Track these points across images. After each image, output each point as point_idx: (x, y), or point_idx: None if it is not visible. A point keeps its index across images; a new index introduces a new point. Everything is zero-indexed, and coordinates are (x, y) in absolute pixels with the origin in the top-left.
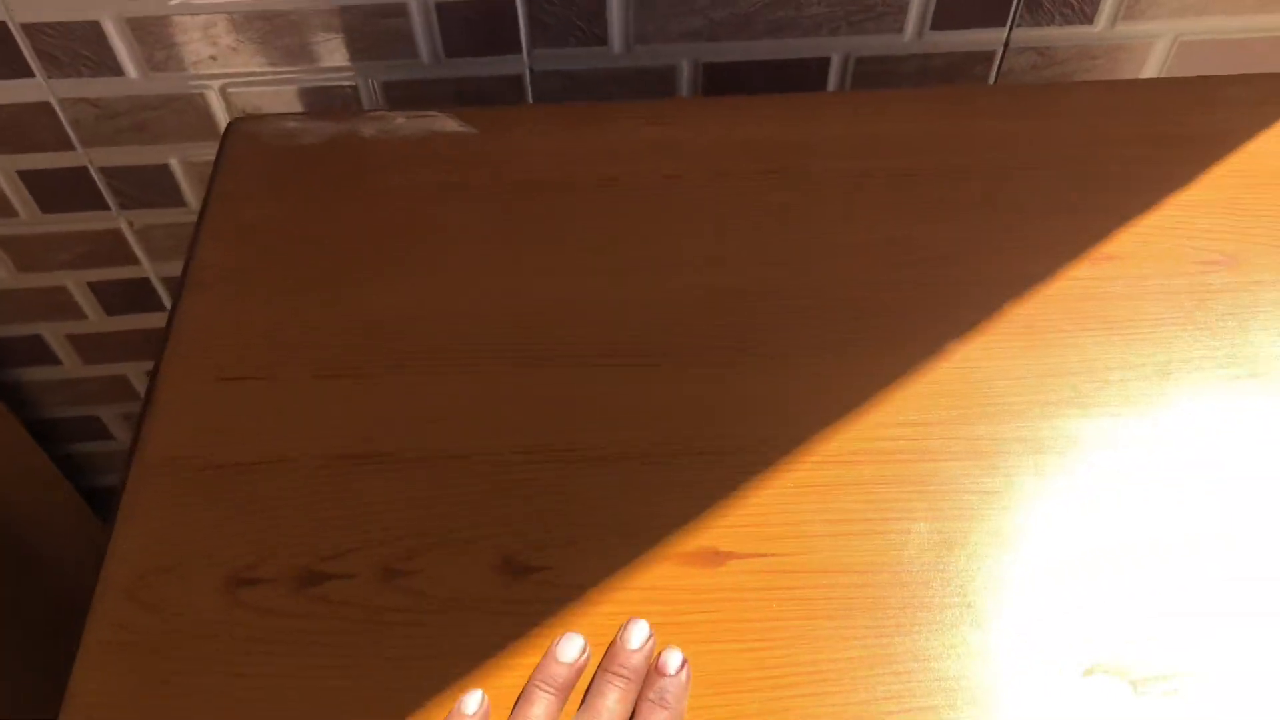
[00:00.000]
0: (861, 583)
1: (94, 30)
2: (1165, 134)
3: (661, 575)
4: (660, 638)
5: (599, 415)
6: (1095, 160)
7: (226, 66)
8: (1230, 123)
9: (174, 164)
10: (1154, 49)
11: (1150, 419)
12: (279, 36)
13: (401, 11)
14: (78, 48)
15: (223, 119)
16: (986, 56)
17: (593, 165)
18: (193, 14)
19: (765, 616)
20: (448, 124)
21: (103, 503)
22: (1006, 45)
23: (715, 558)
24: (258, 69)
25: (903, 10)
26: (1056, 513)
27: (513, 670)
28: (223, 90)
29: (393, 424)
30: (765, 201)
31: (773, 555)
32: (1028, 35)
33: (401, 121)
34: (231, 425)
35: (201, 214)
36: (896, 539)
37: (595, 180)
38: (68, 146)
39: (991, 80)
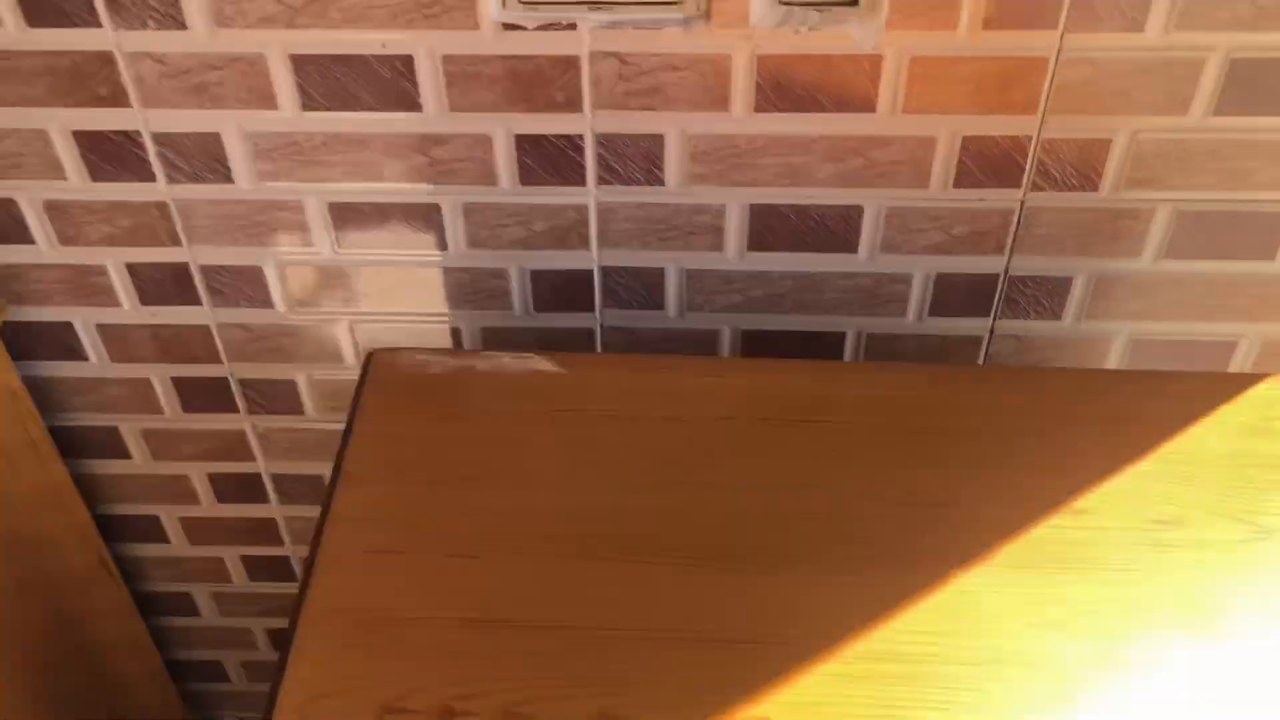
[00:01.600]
0: None
1: (257, 273)
2: (1123, 415)
3: None
4: None
5: (663, 602)
6: (1066, 432)
7: (355, 307)
8: (1176, 410)
9: (301, 380)
10: (1114, 344)
11: (1119, 646)
12: (402, 288)
13: (503, 275)
14: (242, 285)
15: (347, 346)
16: (976, 340)
17: (657, 405)
18: (340, 268)
19: None
20: (543, 364)
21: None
22: (992, 332)
23: None
24: (380, 310)
25: (905, 300)
26: (1043, 715)
27: None
28: (350, 325)
29: (506, 595)
30: (798, 443)
31: None
32: (1009, 325)
33: (507, 360)
34: (379, 588)
35: (349, 423)
36: None
37: (659, 417)
38: (217, 360)
39: (981, 359)
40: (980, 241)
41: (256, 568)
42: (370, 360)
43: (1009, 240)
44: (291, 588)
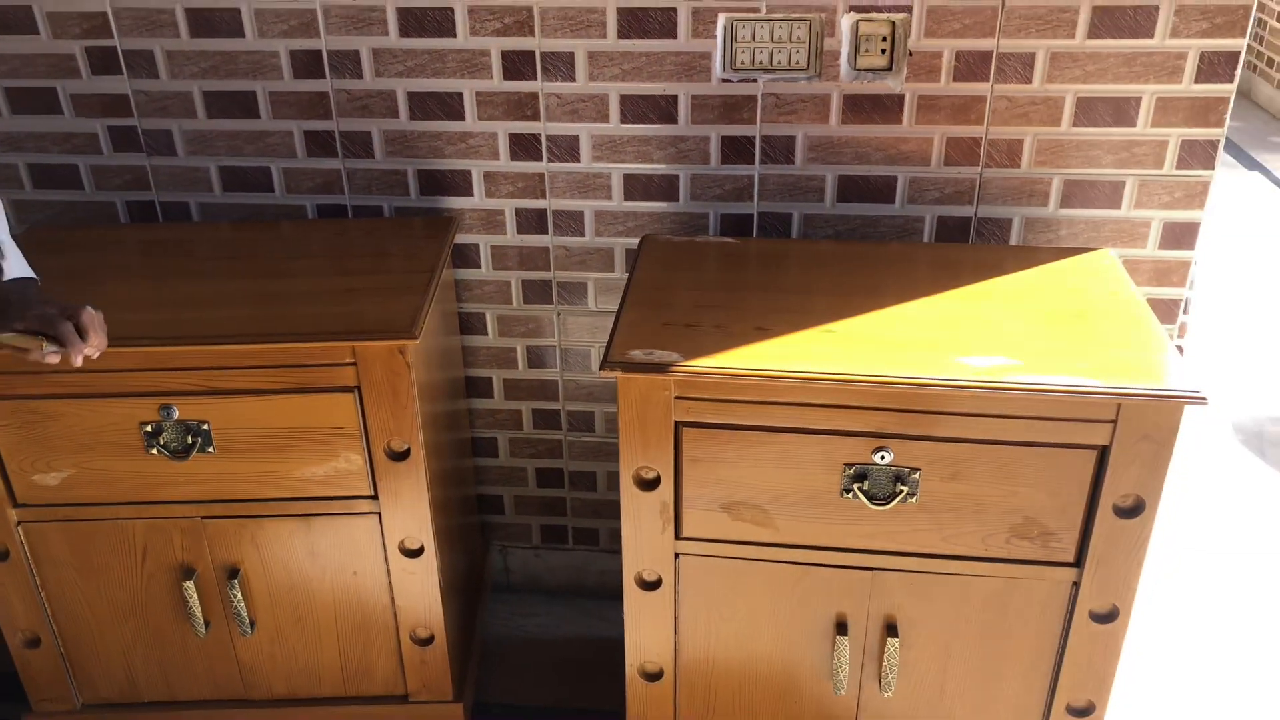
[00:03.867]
0: None
1: (579, 215)
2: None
3: None
4: None
5: (823, 309)
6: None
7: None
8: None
9: (590, 284)
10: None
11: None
12: (651, 225)
13: (704, 219)
14: (570, 222)
15: (620, 258)
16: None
17: (784, 251)
18: (624, 211)
19: None
20: (725, 240)
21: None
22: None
23: None
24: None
25: (921, 233)
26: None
27: None
28: (623, 247)
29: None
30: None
31: None
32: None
33: (698, 240)
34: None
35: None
36: None
37: (800, 257)
38: (547, 269)
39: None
40: (959, 197)
41: (539, 420)
42: (644, 239)
43: (975, 196)
44: (558, 435)
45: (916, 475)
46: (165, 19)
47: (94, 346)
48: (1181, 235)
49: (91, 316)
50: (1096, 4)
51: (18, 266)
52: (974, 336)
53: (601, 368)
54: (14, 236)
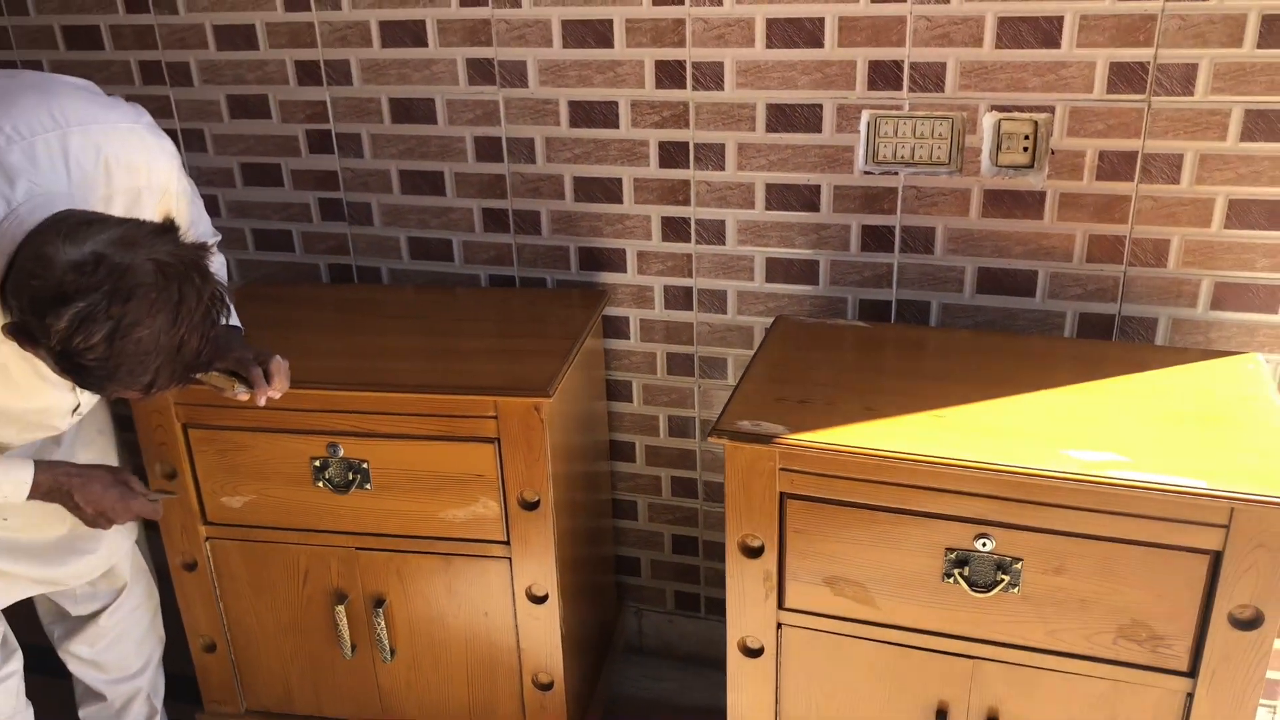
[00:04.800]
0: None
1: (722, 296)
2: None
3: None
4: None
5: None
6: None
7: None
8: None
9: (730, 359)
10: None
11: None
12: (791, 307)
13: (843, 304)
14: (713, 301)
15: (759, 335)
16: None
17: (928, 344)
18: (767, 291)
19: None
20: (860, 325)
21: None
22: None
23: None
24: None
25: (1063, 328)
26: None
27: None
28: (761, 326)
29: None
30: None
31: None
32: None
33: (842, 323)
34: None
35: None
36: None
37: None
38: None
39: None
40: (1102, 294)
41: (677, 487)
42: (776, 320)
43: (1119, 293)
44: (695, 503)
45: (1019, 565)
46: (372, 107)
47: (277, 389)
48: None
49: (278, 364)
50: (1249, 108)
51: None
52: (1088, 430)
53: (709, 434)
54: (231, 290)
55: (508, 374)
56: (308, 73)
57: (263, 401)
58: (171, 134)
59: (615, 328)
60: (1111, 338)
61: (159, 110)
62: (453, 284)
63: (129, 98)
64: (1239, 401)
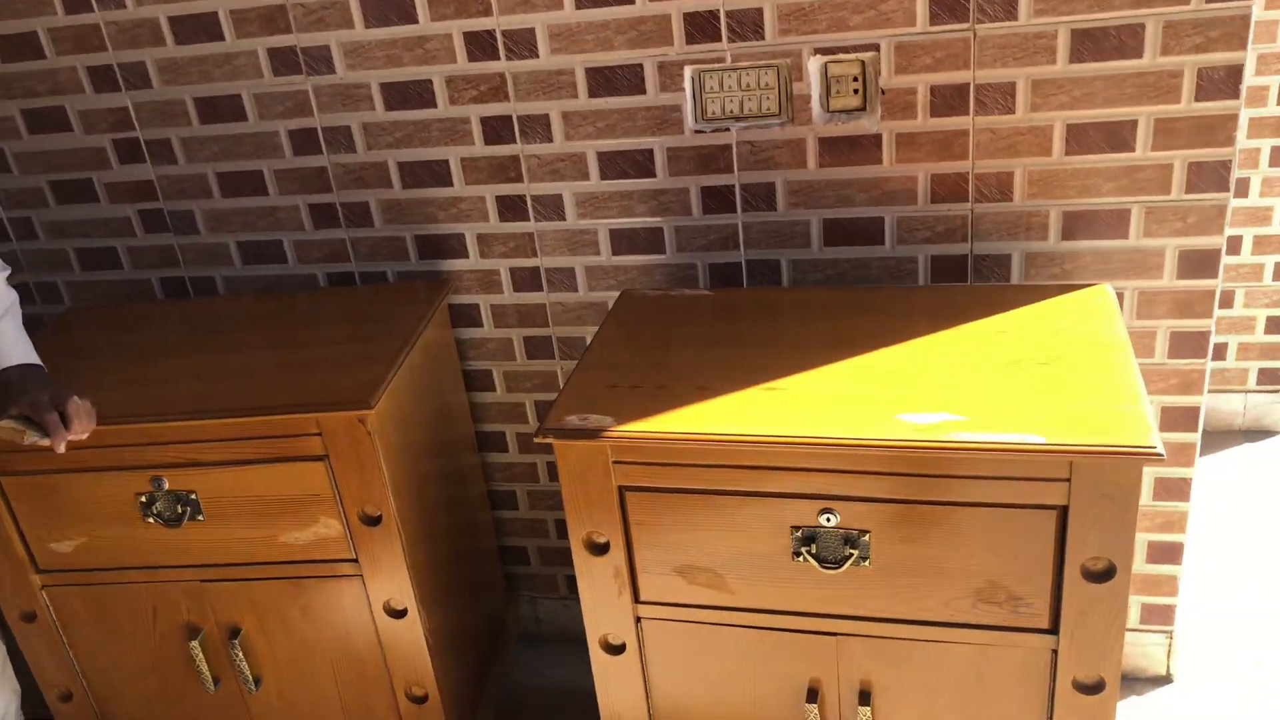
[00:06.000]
0: None
1: (571, 273)
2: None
3: None
4: None
5: (756, 365)
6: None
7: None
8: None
9: (589, 337)
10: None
11: None
12: (642, 277)
13: (694, 269)
14: (563, 279)
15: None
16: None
17: (753, 304)
18: (613, 266)
19: None
20: (706, 293)
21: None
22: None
23: None
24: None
25: (915, 274)
26: None
27: None
28: (614, 298)
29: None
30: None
31: None
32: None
33: (687, 293)
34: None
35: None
36: None
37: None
38: (546, 323)
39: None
40: (951, 235)
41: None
42: (621, 295)
43: (969, 233)
44: None
45: (866, 538)
46: (178, 109)
47: (77, 433)
48: (1201, 263)
49: (76, 405)
50: (1075, 27)
51: (23, 353)
52: (927, 390)
53: (536, 436)
54: (56, 318)
55: (331, 386)
56: (102, 78)
57: (61, 448)
58: None
59: (467, 315)
60: (966, 279)
61: None
62: (291, 287)
63: None
64: (1085, 343)
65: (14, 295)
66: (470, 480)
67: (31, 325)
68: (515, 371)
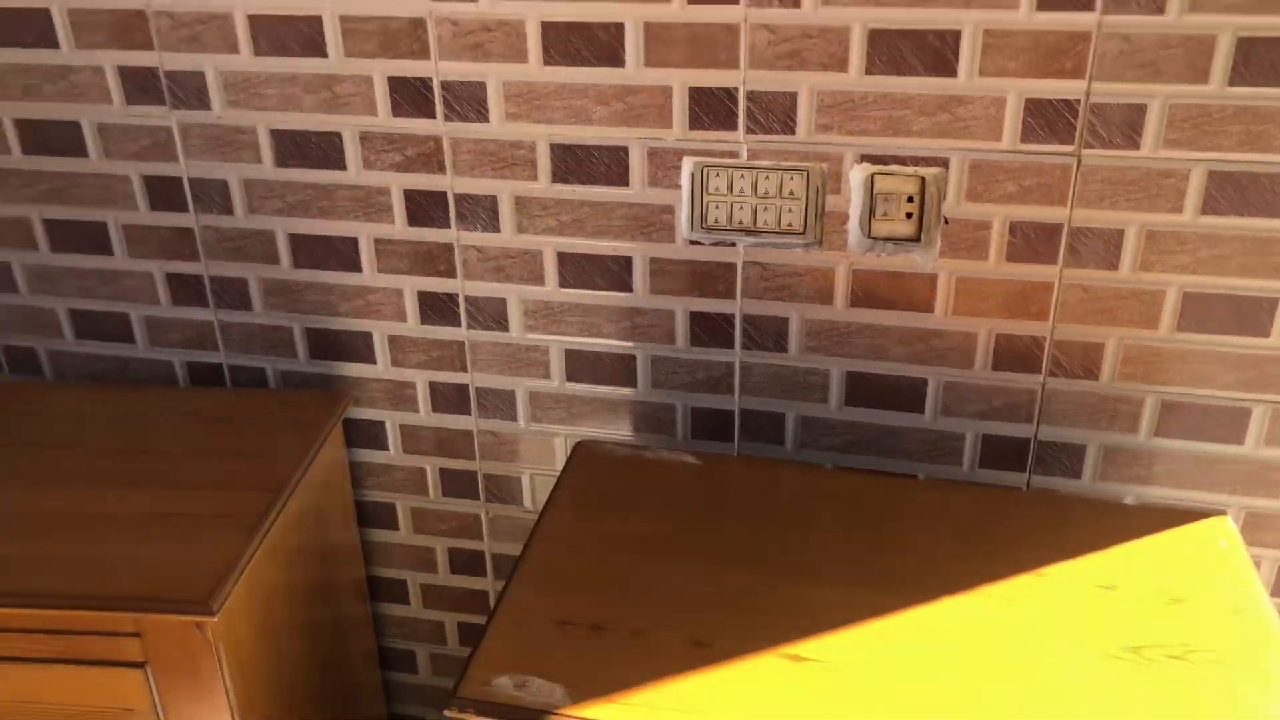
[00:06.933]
0: None
1: (510, 396)
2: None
3: None
4: None
5: (741, 594)
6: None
7: (571, 425)
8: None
9: (525, 478)
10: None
11: None
12: (600, 414)
13: (671, 409)
14: (499, 403)
15: (562, 451)
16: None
17: (768, 489)
18: (567, 395)
19: None
20: (690, 459)
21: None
22: (1028, 486)
23: None
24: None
25: (960, 453)
26: None
27: None
28: (566, 437)
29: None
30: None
31: None
32: (1040, 481)
33: (665, 454)
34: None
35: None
36: None
37: (767, 496)
38: (471, 456)
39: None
40: (1012, 411)
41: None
42: (576, 448)
43: (1035, 411)
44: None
45: None
46: None
47: None
48: None
49: None
50: (1214, 167)
51: None
52: (1016, 694)
53: (447, 710)
54: None
55: (164, 566)
56: None
57: None
58: None
59: (368, 434)
60: (1025, 469)
61: None
62: (140, 373)
63: None
64: (1220, 617)
65: None
66: (355, 635)
67: None
68: (427, 510)
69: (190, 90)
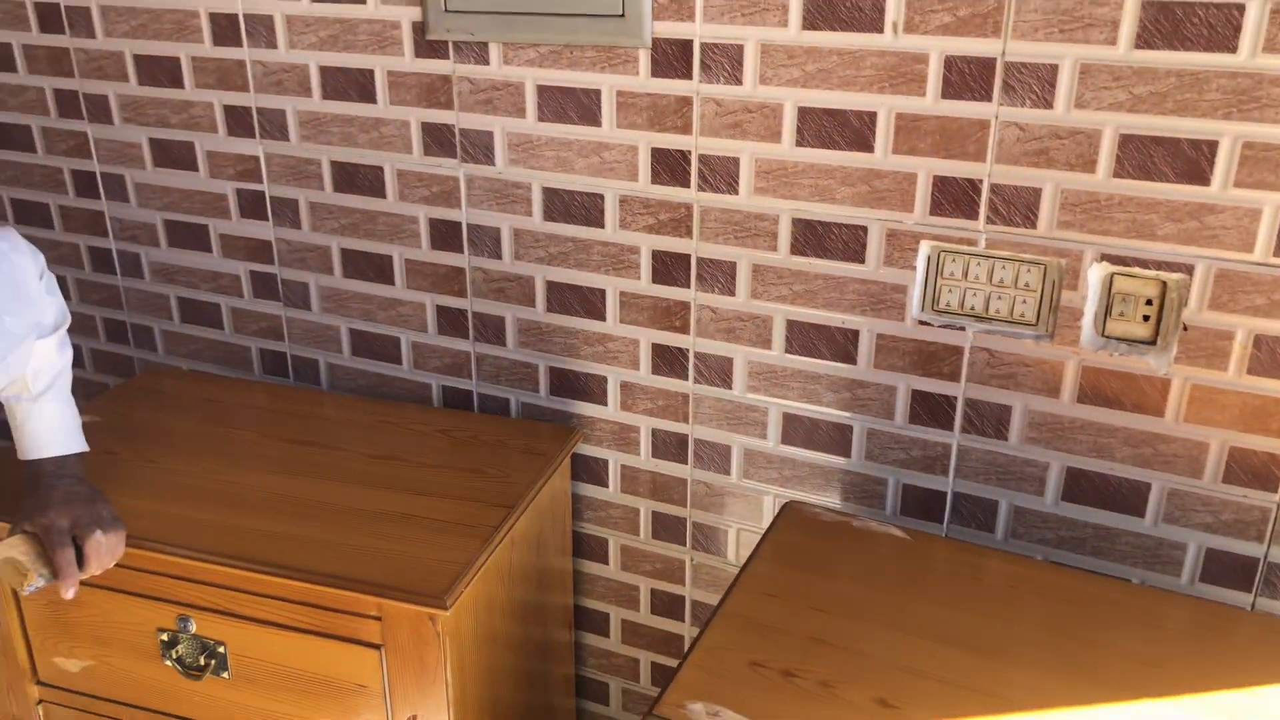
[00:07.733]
0: None
1: (727, 448)
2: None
3: None
4: None
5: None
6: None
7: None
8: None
9: (731, 531)
10: None
11: None
12: (824, 488)
13: (883, 483)
14: (713, 455)
15: (770, 510)
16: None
17: (971, 571)
18: (782, 455)
19: None
20: (896, 531)
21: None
22: (1253, 607)
23: None
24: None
25: (1181, 564)
26: None
27: None
28: (775, 497)
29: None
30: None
31: None
32: (1267, 604)
33: (874, 525)
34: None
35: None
36: None
37: (970, 579)
38: (683, 504)
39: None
40: (1241, 528)
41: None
42: (784, 507)
43: (1269, 530)
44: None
45: None
46: (311, 169)
47: (93, 572)
48: None
49: (98, 544)
50: None
51: (62, 440)
52: None
53: (645, 717)
54: (126, 384)
55: (407, 560)
56: (238, 121)
57: (69, 594)
58: (89, 177)
59: (592, 471)
60: (1251, 589)
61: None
62: (400, 391)
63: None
64: None
65: (66, 358)
66: (557, 659)
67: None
68: (636, 549)
69: (479, 147)
